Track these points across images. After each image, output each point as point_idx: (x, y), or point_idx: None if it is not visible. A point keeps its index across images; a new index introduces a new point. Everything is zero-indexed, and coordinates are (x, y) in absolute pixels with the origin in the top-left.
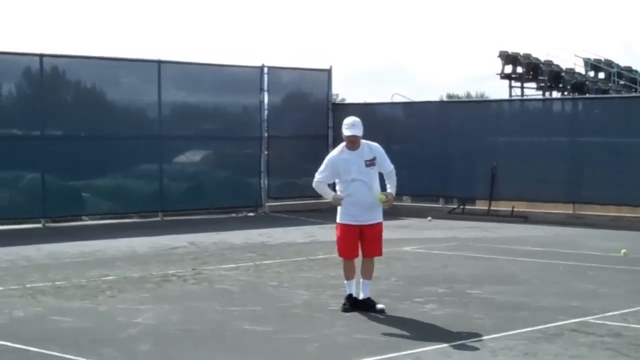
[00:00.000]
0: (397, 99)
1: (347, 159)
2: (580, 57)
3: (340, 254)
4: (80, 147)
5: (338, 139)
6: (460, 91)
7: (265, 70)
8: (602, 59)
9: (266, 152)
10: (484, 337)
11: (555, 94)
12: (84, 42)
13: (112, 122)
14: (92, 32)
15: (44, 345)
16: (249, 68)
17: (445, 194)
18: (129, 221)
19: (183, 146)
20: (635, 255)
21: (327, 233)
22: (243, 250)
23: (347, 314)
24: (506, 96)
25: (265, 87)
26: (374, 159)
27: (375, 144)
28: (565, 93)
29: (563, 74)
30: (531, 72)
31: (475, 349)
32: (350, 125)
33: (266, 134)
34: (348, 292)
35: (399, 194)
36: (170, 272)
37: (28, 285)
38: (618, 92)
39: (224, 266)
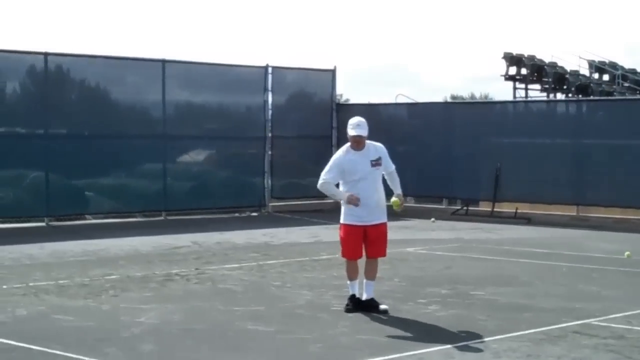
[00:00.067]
0: (401, 99)
1: (353, 160)
2: (584, 59)
3: (344, 255)
4: (84, 146)
5: (342, 139)
6: (464, 92)
7: (270, 70)
8: (607, 61)
9: (270, 152)
10: (487, 339)
11: (560, 96)
12: (89, 41)
13: (116, 121)
14: (97, 31)
15: (47, 344)
16: (253, 68)
17: (448, 195)
18: (132, 220)
19: (187, 146)
20: (639, 257)
21: (331, 233)
22: (246, 250)
23: (350, 315)
24: (510, 97)
25: (270, 87)
26: (379, 159)
27: (379, 144)
28: (570, 95)
29: (567, 75)
30: (535, 74)
31: (478, 350)
32: (356, 125)
33: (270, 134)
34: (351, 293)
35: (403, 195)
36: (174, 271)
37: (31, 284)
38: (622, 94)
39: (227, 266)
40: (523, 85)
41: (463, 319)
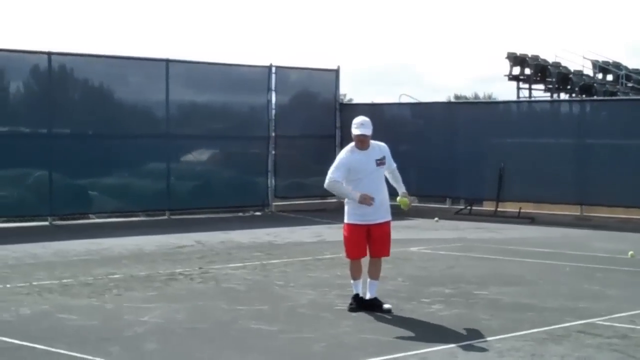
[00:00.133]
0: (405, 99)
1: (359, 159)
2: (588, 59)
3: (348, 255)
4: (88, 145)
5: (345, 139)
6: (467, 92)
7: (273, 69)
8: (611, 61)
9: (273, 152)
10: (491, 338)
11: (563, 96)
12: (92, 41)
13: (119, 121)
14: (100, 30)
15: (51, 343)
16: (256, 67)
17: (452, 195)
18: (136, 219)
19: (190, 145)
20: None
21: (334, 233)
22: (250, 250)
23: (354, 314)
24: (514, 97)
25: (273, 87)
26: (384, 158)
27: (383, 144)
28: (573, 95)
29: (571, 75)
30: (539, 74)
31: (482, 349)
32: (360, 125)
33: (273, 134)
34: (355, 292)
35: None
36: (177, 270)
37: (35, 283)
38: (626, 94)
39: (230, 265)
40: (527, 85)
41: (466, 319)
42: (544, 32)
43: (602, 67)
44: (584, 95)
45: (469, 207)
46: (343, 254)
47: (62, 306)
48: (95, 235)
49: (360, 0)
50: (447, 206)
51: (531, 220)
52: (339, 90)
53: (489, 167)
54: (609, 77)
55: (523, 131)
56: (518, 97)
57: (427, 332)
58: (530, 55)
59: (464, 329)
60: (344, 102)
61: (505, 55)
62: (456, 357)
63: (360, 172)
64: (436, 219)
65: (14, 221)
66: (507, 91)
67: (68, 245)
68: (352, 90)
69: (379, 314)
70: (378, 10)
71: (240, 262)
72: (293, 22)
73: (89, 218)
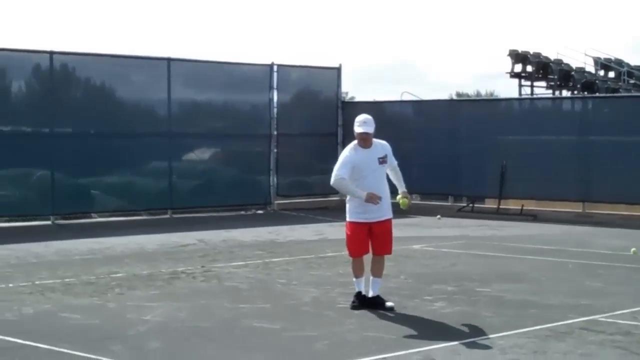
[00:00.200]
0: (407, 97)
1: (362, 157)
2: (590, 56)
3: (350, 253)
4: (90, 144)
5: (347, 137)
6: (469, 90)
7: (275, 68)
8: (612, 58)
9: (275, 150)
10: (494, 335)
11: (565, 93)
12: (94, 40)
13: (121, 120)
14: (102, 29)
15: (53, 342)
16: (258, 66)
17: (454, 192)
18: (138, 218)
19: (192, 144)
20: None
21: (336, 231)
22: (252, 248)
23: (356, 312)
24: (516, 95)
25: (275, 85)
26: (386, 156)
27: (384, 142)
28: (575, 92)
29: (573, 72)
30: (541, 71)
31: (485, 347)
32: (362, 123)
33: (275, 132)
34: (357, 290)
35: (408, 192)
36: (180, 269)
37: (37, 282)
38: (628, 91)
39: (233, 264)
40: (529, 83)
41: (469, 316)
42: (545, 29)
43: (604, 64)
44: (585, 93)
45: (471, 205)
46: (345, 252)
47: (65, 305)
48: (98, 235)
49: None
50: (449, 204)
51: (533, 217)
52: (340, 89)
53: (491, 164)
54: (611, 74)
55: (525, 128)
56: (520, 94)
57: (430, 330)
58: (532, 53)
59: (467, 326)
60: (346, 100)
61: (507, 53)
62: (459, 354)
63: (363, 170)
64: (438, 216)
65: (17, 220)
66: (509, 88)
67: (70, 245)
68: (353, 88)
69: (381, 311)
70: (379, 8)
71: (242, 261)
72: (294, 20)
73: (91, 217)
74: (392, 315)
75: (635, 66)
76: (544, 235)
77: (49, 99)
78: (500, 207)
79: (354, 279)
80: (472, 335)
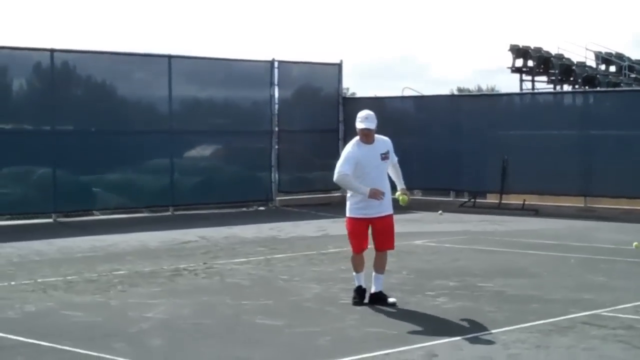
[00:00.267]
0: (408, 92)
1: (365, 153)
2: (591, 50)
3: (353, 250)
4: (91, 142)
5: (349, 133)
6: (471, 85)
7: (276, 64)
8: (613, 52)
9: (277, 147)
10: (496, 330)
11: (566, 88)
12: (95, 37)
13: (122, 117)
14: (103, 27)
15: (56, 340)
16: (259, 62)
17: (456, 188)
18: (139, 216)
19: (194, 141)
20: None
21: (338, 227)
22: (254, 244)
23: (358, 308)
24: (517, 90)
25: (276, 82)
26: (388, 152)
27: (386, 138)
28: (576, 86)
29: (574, 67)
30: (542, 66)
31: (487, 342)
32: (364, 119)
33: (277, 128)
34: (357, 284)
35: (410, 188)
36: (182, 266)
37: (39, 280)
38: (629, 85)
39: (235, 260)
40: (530, 77)
41: (471, 311)
42: (546, 24)
43: (605, 59)
44: (587, 87)
45: (472, 200)
46: (347, 248)
47: (67, 303)
48: (99, 232)
49: None
50: (451, 199)
51: (535, 212)
52: (341, 84)
53: (492, 159)
54: (612, 68)
55: (526, 123)
56: (521, 89)
57: (433, 325)
58: (533, 47)
59: (469, 321)
60: (347, 96)
61: (508, 48)
62: (461, 349)
63: (366, 166)
64: (440, 211)
65: (18, 218)
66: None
67: (72, 242)
68: (354, 84)
69: (384, 307)
70: (380, 4)
71: (244, 257)
72: (295, 16)
73: (93, 215)
74: (394, 311)
75: (636, 60)
76: (546, 230)
77: (50, 96)
78: (502, 202)
79: (354, 274)
80: (474, 330)
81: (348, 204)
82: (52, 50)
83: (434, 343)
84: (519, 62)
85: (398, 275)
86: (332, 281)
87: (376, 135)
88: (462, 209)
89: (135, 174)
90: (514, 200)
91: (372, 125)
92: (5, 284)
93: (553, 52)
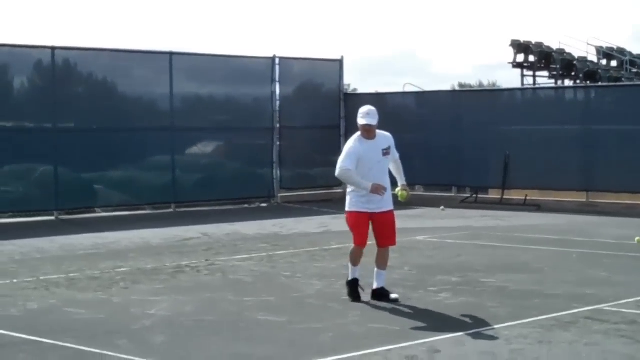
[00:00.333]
0: (409, 88)
1: (367, 148)
2: (592, 45)
3: (355, 242)
4: (93, 139)
5: (350, 129)
6: (472, 80)
7: (277, 61)
8: (615, 47)
9: (278, 143)
10: (498, 326)
11: (568, 83)
12: (96, 35)
13: (124, 114)
14: (104, 24)
15: (59, 337)
16: (260, 59)
17: (457, 183)
18: (141, 213)
19: (195, 137)
20: None
21: (340, 223)
22: (256, 241)
23: (361, 304)
24: (518, 85)
25: (277, 78)
26: (389, 148)
27: (388, 134)
28: (578, 81)
29: (575, 62)
30: (543, 61)
31: (490, 337)
32: (366, 114)
33: (278, 125)
34: (352, 277)
35: (412, 184)
36: (184, 263)
37: (42, 278)
38: (630, 79)
39: (237, 257)
40: (531, 73)
41: (474, 307)
42: (547, 19)
43: (606, 53)
44: (588, 82)
45: (474, 196)
46: (350, 244)
47: (70, 300)
48: (102, 229)
49: None
50: (452, 195)
51: (537, 207)
52: (343, 81)
53: (494, 155)
54: (613, 63)
55: (528, 118)
56: (522, 84)
57: (435, 321)
58: (534, 42)
59: (472, 317)
60: (349, 92)
61: (509, 43)
62: (464, 345)
63: (368, 162)
64: (442, 207)
65: (20, 216)
66: (511, 79)
67: (74, 240)
68: (356, 80)
69: (386, 303)
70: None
71: (246, 254)
72: (296, 13)
73: (94, 212)
74: (396, 306)
75: (638, 55)
76: (548, 225)
77: (51, 94)
78: (504, 197)
79: (352, 267)
80: (476, 326)
81: (348, 198)
82: (53, 48)
83: (437, 339)
84: (520, 58)
85: (400, 271)
86: (335, 277)
87: (378, 131)
88: (464, 204)
89: (137, 171)
90: (515, 195)
91: (374, 121)
92: (8, 281)
93: (554, 47)
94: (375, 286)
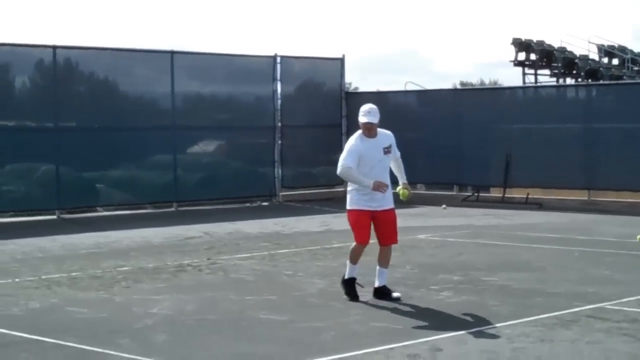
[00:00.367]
0: (411, 87)
1: (368, 147)
2: (593, 43)
3: (358, 240)
4: (94, 138)
5: (351, 127)
6: (473, 79)
7: (278, 59)
8: (616, 45)
9: (280, 142)
10: (500, 324)
11: (569, 81)
12: (97, 34)
13: (125, 113)
14: (105, 23)
15: (60, 336)
16: (261, 58)
17: (459, 182)
18: (143, 212)
19: (197, 136)
20: None
21: (341, 222)
22: (257, 240)
23: (362, 302)
24: (520, 83)
25: (278, 77)
26: (390, 146)
27: (389, 132)
28: (579, 79)
29: (577, 60)
30: (545, 59)
31: (492, 335)
32: (367, 112)
33: (279, 124)
34: (350, 276)
35: (413, 182)
36: (185, 262)
37: (43, 277)
38: (632, 78)
39: (238, 256)
40: (532, 71)
41: (475, 305)
42: (548, 17)
43: (608, 51)
44: (589, 80)
45: (476, 194)
46: (352, 243)
47: (71, 299)
48: (103, 228)
49: None
50: (454, 193)
51: (539, 205)
52: (344, 79)
53: (495, 153)
54: (615, 61)
55: (529, 117)
56: (524, 82)
57: (437, 320)
58: (535, 41)
59: (473, 315)
60: (350, 91)
61: (511, 41)
62: (466, 343)
63: (369, 160)
64: (444, 206)
65: (22, 215)
66: (512, 77)
67: (76, 239)
68: (357, 79)
69: (388, 302)
70: None
71: (248, 253)
72: (297, 11)
73: (96, 211)
74: (398, 305)
75: (639, 53)
76: (550, 223)
77: (52, 93)
78: (506, 196)
79: (351, 265)
80: (478, 324)
81: (349, 196)
82: (54, 47)
83: (439, 337)
84: (522, 56)
85: (402, 270)
86: (336, 276)
87: (379, 130)
88: (466, 203)
89: (139, 170)
90: (517, 194)
91: (375, 119)
92: (10, 280)
93: (555, 45)
94: (377, 284)
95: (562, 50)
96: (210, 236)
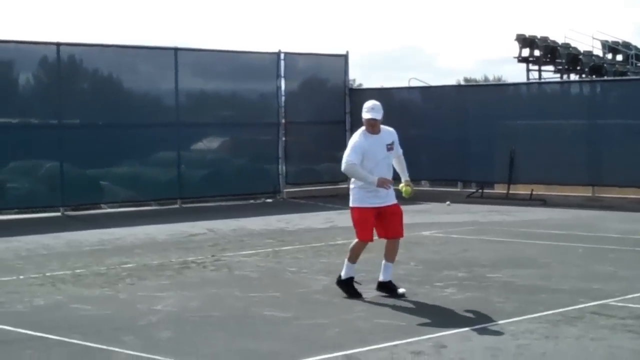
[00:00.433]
0: (414, 83)
1: (372, 143)
2: (598, 39)
3: (361, 237)
4: (98, 135)
5: (355, 124)
6: (477, 75)
7: (282, 56)
8: (620, 41)
9: (284, 138)
10: (505, 321)
11: (573, 77)
12: (101, 31)
13: (129, 110)
14: (109, 20)
15: (65, 334)
16: (265, 54)
17: (463, 178)
18: (147, 209)
19: (200, 133)
20: None
21: (346, 218)
22: (262, 237)
23: (367, 299)
24: (524, 79)
25: (282, 73)
26: (393, 143)
27: (391, 129)
28: (583, 75)
29: (581, 56)
30: (549, 55)
31: (496, 332)
32: (370, 109)
33: (283, 120)
34: (349, 275)
35: (417, 179)
36: (190, 259)
37: (48, 274)
38: (636, 73)
39: (243, 252)
40: (536, 67)
41: (480, 302)
42: (552, 13)
43: (612, 47)
44: (594, 76)
45: (480, 190)
46: (355, 240)
47: (76, 296)
48: (107, 225)
49: None
50: (458, 190)
51: (543, 202)
52: (348, 76)
53: (500, 149)
54: (619, 57)
55: (533, 113)
56: (528, 78)
57: (441, 316)
58: (539, 37)
59: (478, 312)
60: (354, 88)
61: (515, 37)
62: (470, 340)
63: (373, 156)
64: (448, 202)
65: (26, 212)
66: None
67: (80, 236)
68: (361, 75)
69: (392, 298)
70: None
71: (252, 249)
72: (301, 8)
73: (100, 208)
74: (402, 302)
75: None
76: (554, 219)
77: (56, 90)
78: (510, 192)
79: (349, 263)
80: (483, 321)
81: (352, 194)
82: (58, 44)
83: (443, 334)
84: (526, 52)
85: (406, 266)
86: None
87: (382, 126)
88: (470, 199)
89: (143, 167)
90: (521, 190)
91: (378, 115)
92: (14, 277)
93: (560, 41)
94: (381, 279)
95: (566, 46)
96: (215, 233)
